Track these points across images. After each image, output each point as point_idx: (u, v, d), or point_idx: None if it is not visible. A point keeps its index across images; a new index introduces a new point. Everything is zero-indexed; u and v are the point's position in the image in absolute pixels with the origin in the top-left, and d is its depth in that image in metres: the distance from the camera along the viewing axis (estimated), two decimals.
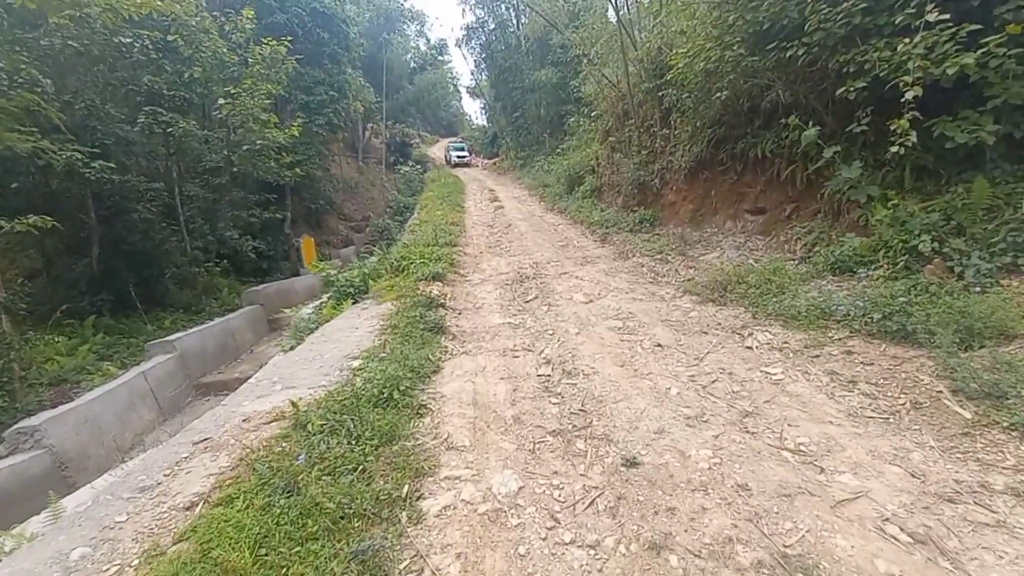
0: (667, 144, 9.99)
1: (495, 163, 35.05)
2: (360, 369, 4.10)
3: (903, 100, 4.67)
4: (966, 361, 3.25)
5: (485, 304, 6.35)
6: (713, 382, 3.86)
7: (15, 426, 7.75)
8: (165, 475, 2.87)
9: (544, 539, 2.40)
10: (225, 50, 15.48)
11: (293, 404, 3.35)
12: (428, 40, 50.78)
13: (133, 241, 14.56)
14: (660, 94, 9.81)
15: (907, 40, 4.66)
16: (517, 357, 4.64)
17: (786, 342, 4.35)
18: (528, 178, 22.17)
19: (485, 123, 47.49)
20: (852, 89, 5.27)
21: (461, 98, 63.33)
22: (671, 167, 9.75)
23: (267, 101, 16.09)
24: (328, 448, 2.94)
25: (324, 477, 2.68)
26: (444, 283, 7.08)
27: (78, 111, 12.66)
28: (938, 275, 4.37)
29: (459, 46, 33.70)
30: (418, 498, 2.67)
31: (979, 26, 4.36)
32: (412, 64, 47.17)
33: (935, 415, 3.02)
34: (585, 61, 13.97)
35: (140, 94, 14.17)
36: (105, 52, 13.30)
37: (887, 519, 2.31)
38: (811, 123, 6.00)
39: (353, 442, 3.03)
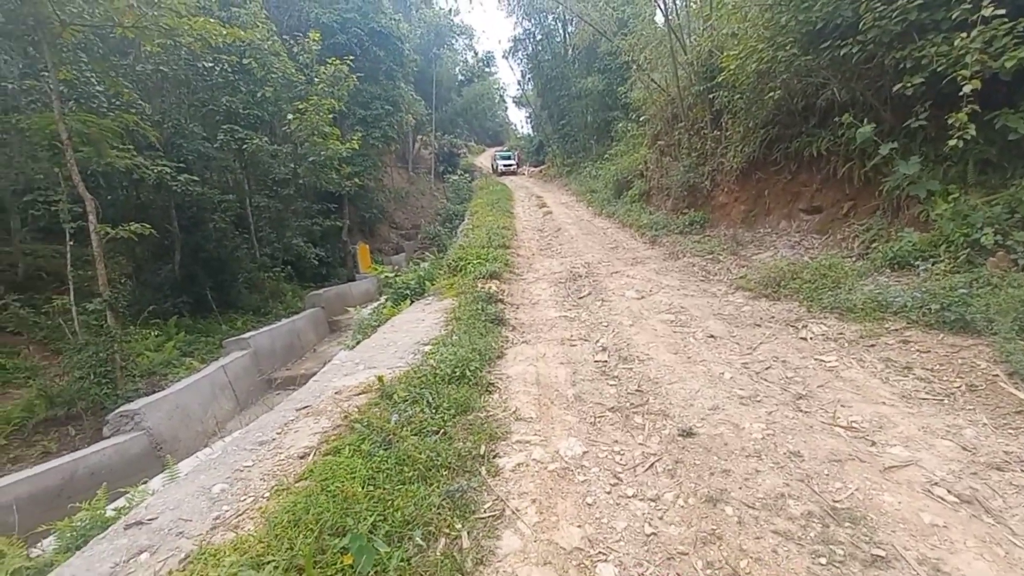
0: (718, 146, 10.05)
1: (541, 171, 35.50)
2: (431, 353, 4.51)
3: (961, 94, 4.68)
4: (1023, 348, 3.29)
5: (540, 300, 6.68)
6: (766, 368, 4.03)
7: (118, 410, 8.72)
8: (278, 433, 3.36)
9: (608, 493, 2.68)
10: (293, 70, 16.69)
11: (379, 379, 3.79)
12: (476, 53, 52.22)
13: (209, 249, 15.86)
14: (711, 96, 9.90)
15: (964, 35, 4.67)
16: (574, 346, 4.94)
17: (841, 333, 4.44)
18: (575, 184, 22.44)
19: (531, 132, 48.17)
20: (910, 85, 5.29)
21: (507, 108, 64.53)
22: (722, 169, 9.80)
23: (330, 116, 17.16)
24: (413, 414, 3.34)
25: (412, 436, 3.07)
26: (501, 281, 7.47)
27: (166, 130, 14.00)
28: (1001, 268, 4.35)
29: (506, 57, 34.49)
30: (494, 456, 3.02)
31: None
32: (460, 77, 48.58)
33: (990, 397, 3.09)
34: (634, 67, 14.16)
35: (219, 113, 15.49)
36: (189, 76, 14.69)
37: (935, 483, 2.46)
38: (866, 120, 6.01)
39: (433, 411, 3.42)
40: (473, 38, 53.37)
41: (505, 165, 37.78)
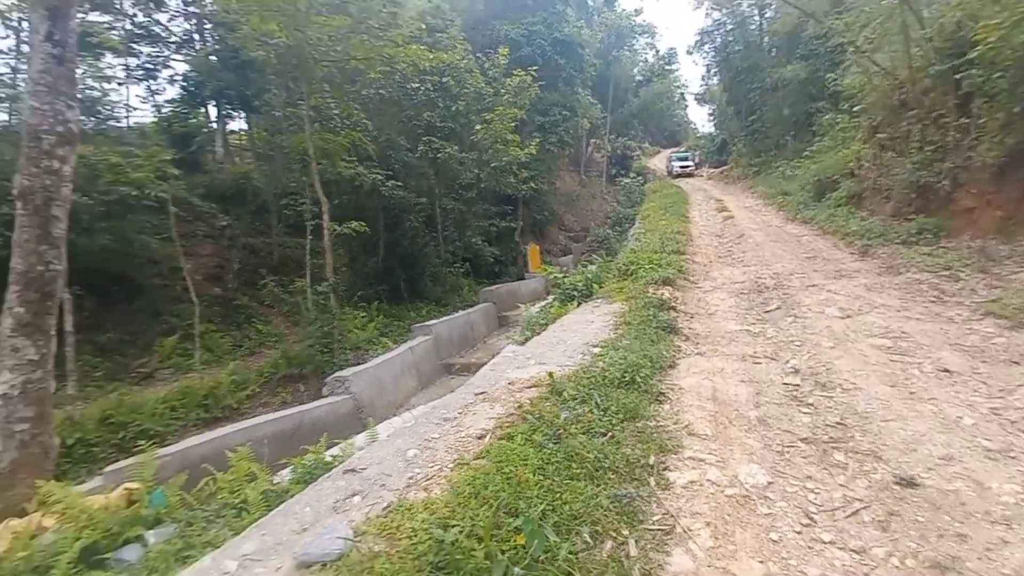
0: (964, 137, 8.11)
1: (723, 172, 32.85)
2: (600, 355, 4.51)
3: None
4: None
5: (719, 311, 6.20)
6: None
7: (334, 375, 10.52)
8: (459, 413, 3.71)
9: (799, 533, 2.37)
10: (483, 84, 18.19)
11: (550, 375, 3.93)
12: (657, 51, 50.51)
13: (405, 245, 18.16)
14: (956, 77, 8.05)
15: None
16: (758, 364, 4.47)
17: None
18: (763, 186, 20.27)
19: (712, 130, 44.91)
20: None
21: (687, 106, 61.11)
22: (969, 165, 7.89)
23: (512, 124, 18.29)
24: (581, 413, 3.38)
25: (581, 435, 3.11)
26: (674, 288, 7.12)
27: (381, 143, 16.41)
28: None
29: (690, 53, 32.58)
30: (664, 469, 2.90)
31: None
32: (638, 77, 47.51)
33: None
34: (850, 49, 12.22)
35: (420, 127, 17.64)
36: (399, 96, 16.99)
37: None
38: None
39: (601, 412, 3.42)
40: (655, 36, 51.45)
41: (681, 167, 35.87)
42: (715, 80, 33.98)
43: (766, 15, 25.72)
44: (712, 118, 43.50)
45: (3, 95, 15.87)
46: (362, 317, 15.07)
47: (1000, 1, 6.84)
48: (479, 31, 23.84)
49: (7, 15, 14.21)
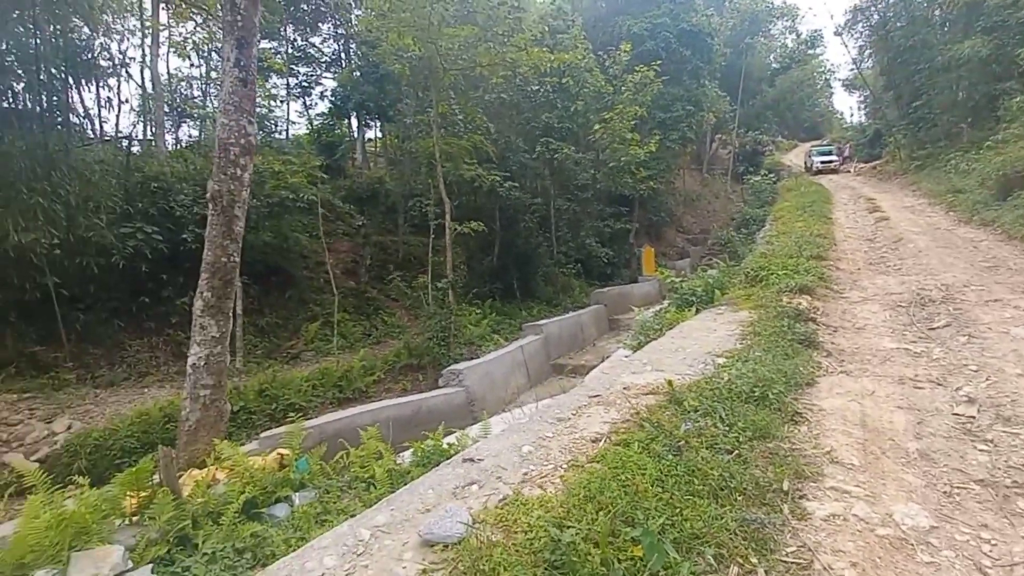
0: None
1: (875, 167, 28.83)
2: (726, 366, 4.22)
3: None
4: None
5: (869, 325, 5.46)
6: None
7: (449, 367, 11.11)
8: (572, 414, 3.71)
9: None
10: (603, 82, 17.95)
11: (668, 383, 3.76)
12: (798, 35, 45.90)
13: (519, 245, 18.56)
14: None
15: None
16: (920, 388, 3.86)
17: None
18: (928, 183, 17.43)
19: (863, 120, 39.65)
20: None
21: (832, 94, 54.63)
22: None
23: (632, 123, 17.82)
24: (704, 427, 3.19)
25: (703, 449, 2.94)
26: (813, 297, 6.42)
27: (500, 146, 16.96)
28: None
29: (839, 34, 28.94)
30: (800, 497, 2.63)
31: None
32: (775, 65, 43.62)
33: None
34: None
35: (538, 129, 17.91)
36: (519, 99, 17.41)
37: None
38: None
39: (727, 428, 3.20)
40: (796, 18, 46.70)
41: (823, 162, 32.16)
42: (868, 64, 29.95)
43: None
44: (863, 106, 38.53)
45: (196, 115, 19.13)
46: (476, 313, 15.73)
47: None
48: (600, 28, 23.55)
49: (200, 47, 17.11)
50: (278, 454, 5.76)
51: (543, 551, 2.09)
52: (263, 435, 7.37)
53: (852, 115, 48.05)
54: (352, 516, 3.10)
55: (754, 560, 2.17)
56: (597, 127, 17.54)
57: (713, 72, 26.48)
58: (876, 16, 25.00)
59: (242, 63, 5.82)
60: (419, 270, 16.38)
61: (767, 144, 42.25)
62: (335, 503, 4.70)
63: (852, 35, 27.79)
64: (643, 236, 27.48)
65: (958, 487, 2.70)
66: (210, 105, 18.45)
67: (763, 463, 2.89)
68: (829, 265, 8.34)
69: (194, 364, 5.85)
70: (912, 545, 2.28)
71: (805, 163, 35.42)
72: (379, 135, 24.19)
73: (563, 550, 2.04)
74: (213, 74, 19.10)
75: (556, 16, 19.55)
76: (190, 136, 19.64)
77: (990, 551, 2.23)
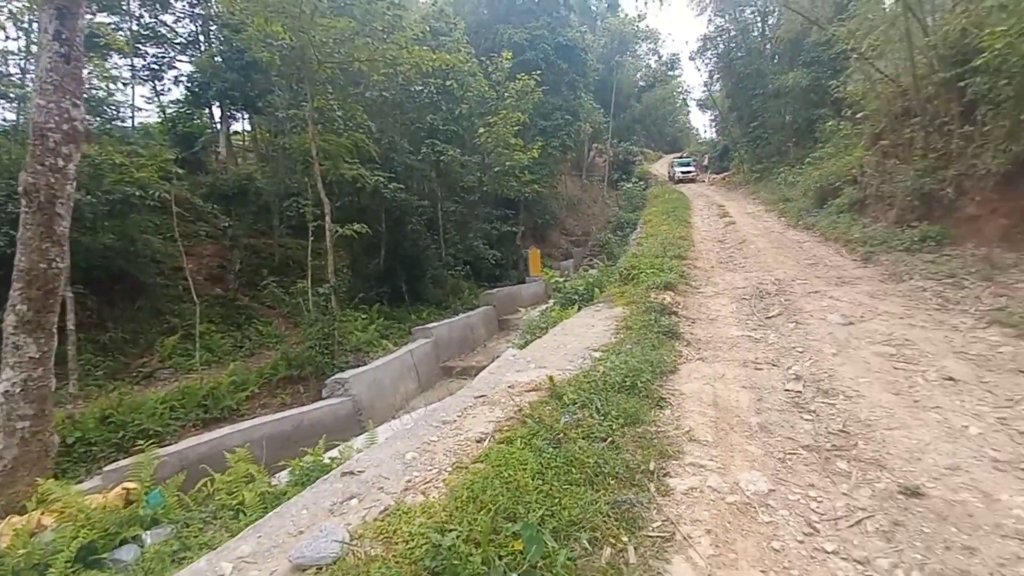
0: (969, 144, 8.09)
1: (724, 178, 32.84)
2: (601, 359, 4.48)
3: None
4: None
5: (720, 316, 6.17)
6: None
7: (334, 377, 10.48)
8: (458, 416, 3.68)
9: (801, 542, 2.34)
10: (486, 88, 18.21)
11: (550, 379, 3.90)
12: (659, 56, 50.67)
13: (406, 247, 18.14)
14: (961, 84, 8.03)
15: None
16: (760, 370, 4.44)
17: None
18: (765, 192, 20.26)
19: (714, 136, 44.96)
20: None
21: (689, 112, 61.25)
22: (974, 173, 7.87)
23: (515, 128, 18.31)
24: (582, 418, 3.35)
25: (581, 440, 3.08)
26: (675, 293, 7.10)
27: (383, 146, 16.42)
28: None
29: (693, 59, 32.55)
30: (664, 475, 2.87)
31: None
32: (641, 83, 47.69)
33: None
34: (853, 56, 12.24)
35: (423, 130, 17.66)
36: (403, 99, 17.02)
37: None
38: None
39: (601, 417, 3.39)
40: (657, 42, 51.60)
41: (683, 172, 35.87)
42: (717, 86, 34.01)
43: (768, 22, 25.82)
44: (714, 124, 43.59)
45: (12, 95, 15.95)
46: (363, 319, 15.06)
47: (1007, 8, 6.83)
48: (483, 35, 23.93)
49: (19, 17, 14.30)
50: (123, 489, 4.99)
51: (424, 559, 2.03)
52: (107, 469, 6.36)
53: (706, 131, 54.31)
54: (214, 549, 2.76)
55: (625, 539, 2.31)
56: (482, 131, 17.77)
57: (588, 85, 28.22)
58: (721, 46, 28.50)
59: (63, 36, 4.95)
60: (298, 275, 15.26)
61: (637, 154, 46.03)
62: (196, 537, 4.17)
63: (703, 61, 31.35)
64: (529, 238, 28.41)
65: (790, 453, 3.13)
66: (29, 84, 15.49)
67: (633, 447, 3.10)
68: (688, 264, 9.30)
69: (7, 392, 4.86)
70: (755, 508, 2.59)
71: (668, 172, 39.19)
72: (247, 128, 22.14)
73: (444, 555, 2.00)
74: (35, 48, 16.03)
75: (438, 17, 19.47)
76: (4, 120, 16.32)
77: (817, 507, 2.60)
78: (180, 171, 12.37)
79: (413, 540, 2.16)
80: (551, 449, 2.94)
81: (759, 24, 26.85)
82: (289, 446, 7.78)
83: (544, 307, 12.31)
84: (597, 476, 2.74)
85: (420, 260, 18.66)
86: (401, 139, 17.35)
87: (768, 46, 25.89)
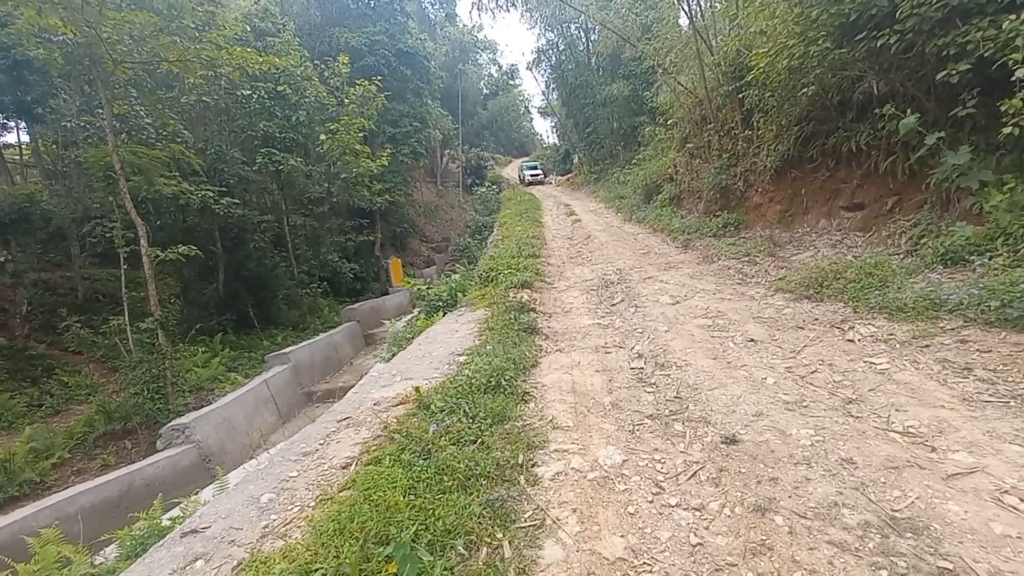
0: (750, 146, 9.83)
1: (569, 179, 35.50)
2: (467, 363, 4.54)
3: (1013, 79, 4.45)
4: None
5: (573, 308, 6.65)
6: (812, 373, 3.88)
7: (170, 424, 9.10)
8: (320, 444, 3.43)
9: (651, 502, 2.63)
10: (324, 93, 17.28)
11: (416, 389, 3.84)
12: (500, 66, 52.88)
13: (251, 267, 16.47)
14: (740, 96, 9.72)
15: (1013, 17, 4.45)
16: (609, 353, 4.89)
17: (892, 334, 4.24)
18: (603, 191, 22.33)
19: (557, 141, 48.31)
20: (955, 72, 5.07)
21: (532, 119, 64.99)
22: (755, 169, 9.58)
23: (360, 135, 17.66)
24: (450, 424, 3.36)
25: (451, 446, 3.09)
26: (532, 290, 7.48)
27: (209, 156, 14.68)
28: None
29: (530, 69, 34.67)
30: (532, 466, 3.01)
31: None
32: (485, 90, 49.33)
33: None
34: (659, 71, 14.06)
35: (256, 138, 16.17)
36: (229, 104, 15.39)
37: (1005, 491, 2.31)
38: (909, 111, 5.78)
39: (470, 420, 3.44)
40: (497, 52, 53.86)
41: (532, 175, 37.94)
42: (554, 95, 36.60)
43: (592, 38, 28.46)
44: (555, 130, 46.79)
45: None
46: (203, 353, 13.32)
47: (767, 33, 8.42)
48: (317, 38, 22.68)
49: None
50: None
51: None
52: None
53: (549, 136, 58.13)
54: None
55: (500, 535, 2.38)
56: (324, 138, 16.83)
57: (434, 92, 28.38)
58: (554, 58, 30.74)
59: None
60: (112, 310, 12.92)
61: (488, 159, 47.58)
62: None
63: (540, 71, 33.54)
64: (389, 248, 27.67)
65: (638, 424, 3.49)
66: None
67: (502, 444, 3.20)
68: (542, 261, 9.87)
69: None
70: (612, 480, 2.85)
71: (519, 176, 41.15)
72: (25, 140, 18.14)
73: None
74: None
75: (263, 17, 17.99)
76: None
77: (661, 468, 2.94)
78: None
79: None
80: (421, 461, 2.90)
81: (584, 39, 29.48)
82: (118, 514, 6.59)
83: (410, 317, 12.09)
84: (469, 479, 2.77)
85: (268, 280, 17.07)
86: (231, 148, 15.69)
87: (593, 60, 28.54)
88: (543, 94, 38.08)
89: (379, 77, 19.27)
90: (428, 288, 11.83)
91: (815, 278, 5.71)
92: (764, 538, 2.26)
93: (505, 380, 4.05)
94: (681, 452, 3.07)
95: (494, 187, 33.08)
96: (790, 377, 3.88)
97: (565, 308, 6.68)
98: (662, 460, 3.01)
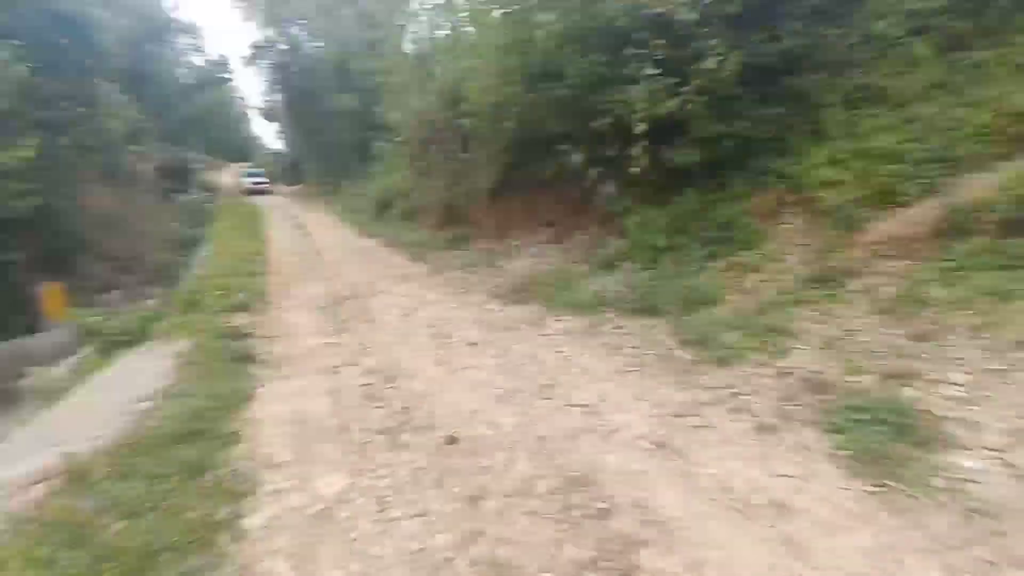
0: (469, 168, 10.86)
1: (299, 190, 33.00)
2: (153, 410, 3.67)
3: (636, 132, 6.05)
4: (687, 322, 4.42)
5: (300, 329, 6.12)
6: (519, 366, 4.46)
7: None
8: None
9: (374, 521, 2.57)
10: None
11: (70, 456, 2.89)
12: (205, 54, 45.59)
13: None
14: (458, 122, 10.65)
15: (635, 87, 6.06)
16: (338, 373, 4.65)
17: (573, 327, 5.23)
18: (338, 204, 21.53)
19: (283, 147, 44.38)
20: (602, 123, 6.59)
21: (252, 120, 58.11)
22: (474, 188, 10.63)
23: None
24: (119, 494, 2.64)
25: (119, 522, 2.42)
26: (250, 313, 6.60)
27: None
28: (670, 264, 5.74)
29: (247, 64, 30.93)
30: (237, 519, 2.59)
31: (677, 79, 5.91)
32: (190, 81, 41.85)
33: (669, 361, 4.05)
34: (386, 90, 14.34)
35: None
36: None
37: (639, 437, 3.07)
38: (578, 150, 7.27)
39: (151, 481, 2.77)
40: (198, 36, 46.07)
41: (255, 183, 33.79)
42: (279, 98, 33.58)
43: (318, 43, 27.20)
44: (281, 135, 42.97)
45: None
46: None
47: (476, 69, 9.43)
48: None
49: None
50: None
51: None
52: None
53: (273, 141, 52.84)
54: None
55: None
56: None
57: (111, 73, 22.63)
58: (276, 57, 28.21)
59: None
60: None
61: (197, 162, 40.45)
62: None
63: (259, 68, 30.29)
64: (42, 271, 20.63)
65: (366, 442, 3.39)
66: None
67: (198, 502, 2.67)
68: (264, 280, 8.86)
69: None
70: (333, 509, 2.68)
71: (239, 184, 36.28)
72: None
73: None
74: None
75: None
76: None
77: (387, 483, 2.89)
78: None
79: None
80: (67, 553, 2.18)
81: (309, 43, 27.91)
82: None
83: (76, 358, 9.23)
84: (146, 558, 2.22)
85: None
86: None
87: (320, 67, 27.30)
88: (264, 95, 34.46)
89: (16, 42, 14.25)
90: (106, 319, 9.27)
91: (521, 284, 6.66)
92: (476, 525, 2.45)
93: (207, 422, 3.42)
94: (407, 462, 3.10)
95: (205, 195, 28.33)
96: (502, 373, 4.37)
97: (290, 330, 6.10)
98: (387, 475, 2.98)
